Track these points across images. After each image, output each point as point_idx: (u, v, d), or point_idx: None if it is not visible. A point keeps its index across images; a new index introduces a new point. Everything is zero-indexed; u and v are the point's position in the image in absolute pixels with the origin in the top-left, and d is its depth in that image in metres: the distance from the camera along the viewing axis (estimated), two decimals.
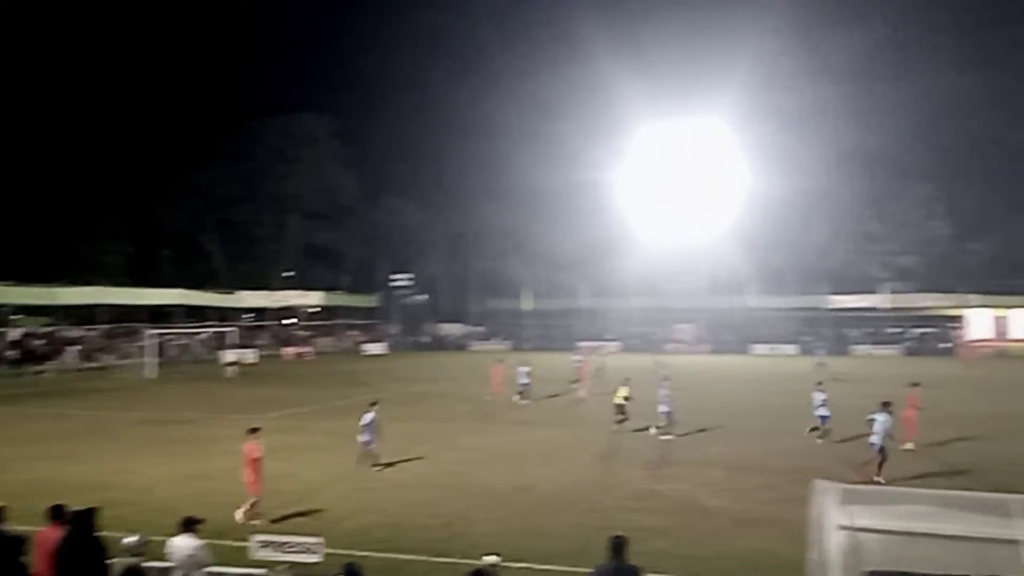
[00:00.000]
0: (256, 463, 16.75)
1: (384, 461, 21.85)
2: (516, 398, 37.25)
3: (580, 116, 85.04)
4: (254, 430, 17.26)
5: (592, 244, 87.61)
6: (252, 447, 16.90)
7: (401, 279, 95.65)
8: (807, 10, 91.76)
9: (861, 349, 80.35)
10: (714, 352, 78.60)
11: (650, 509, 17.54)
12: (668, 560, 13.88)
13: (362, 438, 21.85)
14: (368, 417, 21.96)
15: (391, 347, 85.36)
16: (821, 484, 10.56)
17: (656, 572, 12.15)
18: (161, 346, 60.02)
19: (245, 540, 13.01)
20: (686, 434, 27.16)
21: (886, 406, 20.46)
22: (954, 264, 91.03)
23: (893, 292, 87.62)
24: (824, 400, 26.26)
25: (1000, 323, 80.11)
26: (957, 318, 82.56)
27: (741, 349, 79.82)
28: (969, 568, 8.10)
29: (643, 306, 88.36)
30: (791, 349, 79.79)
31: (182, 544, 10.79)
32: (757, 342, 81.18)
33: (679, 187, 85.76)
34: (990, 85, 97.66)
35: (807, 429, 26.61)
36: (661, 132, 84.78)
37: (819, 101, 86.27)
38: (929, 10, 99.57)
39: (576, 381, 41.22)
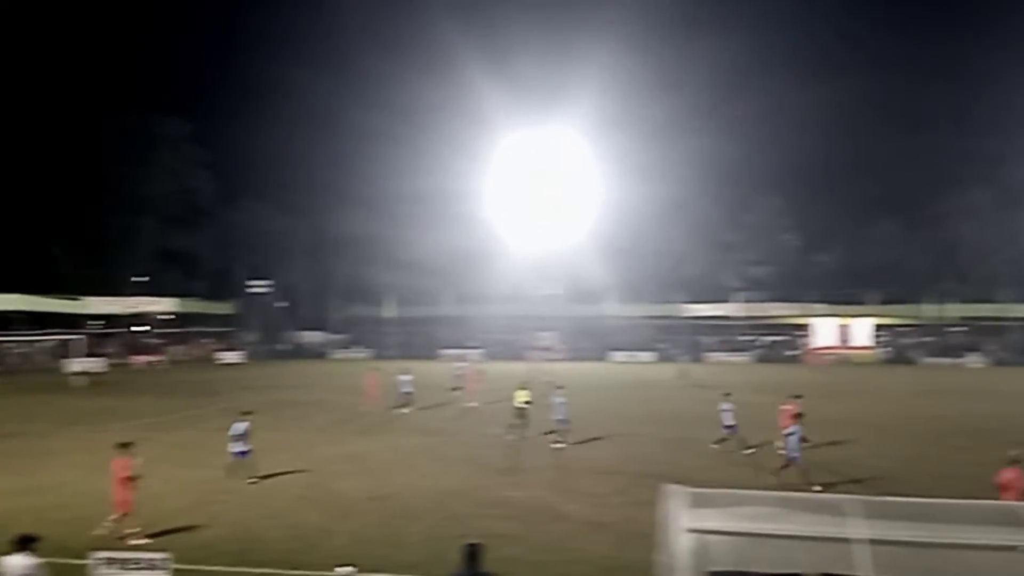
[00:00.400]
0: (127, 480, 15.72)
1: (261, 474, 21.14)
2: (401, 408, 35.89)
3: (444, 124, 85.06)
4: (124, 445, 16.22)
5: (455, 252, 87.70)
6: (122, 463, 15.85)
7: (260, 285, 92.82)
8: (664, 22, 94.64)
9: (715, 356, 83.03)
10: (574, 359, 79.70)
11: (506, 516, 17.54)
12: (520, 566, 13.88)
13: (234, 448, 21.09)
14: (240, 427, 21.24)
15: (248, 355, 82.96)
16: (671, 488, 10.70)
17: None
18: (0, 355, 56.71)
19: (85, 558, 12.26)
20: (543, 436, 27.29)
21: (797, 417, 21.30)
22: (802, 274, 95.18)
23: (745, 301, 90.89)
24: (730, 409, 26.17)
25: (843, 331, 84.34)
26: (804, 326, 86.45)
27: (600, 356, 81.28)
28: (805, 566, 8.34)
29: (505, 313, 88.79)
30: (648, 356, 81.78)
31: (17, 564, 10.10)
32: (615, 349, 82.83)
33: (540, 196, 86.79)
34: (839, 100, 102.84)
35: (712, 442, 26.18)
36: (523, 141, 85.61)
37: (677, 112, 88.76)
38: (783, 25, 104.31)
39: (457, 388, 40.97)
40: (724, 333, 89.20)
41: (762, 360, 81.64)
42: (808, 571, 8.78)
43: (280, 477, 21.44)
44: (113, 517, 15.74)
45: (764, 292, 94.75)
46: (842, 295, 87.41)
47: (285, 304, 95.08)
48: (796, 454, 20.25)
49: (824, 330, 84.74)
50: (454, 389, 41.18)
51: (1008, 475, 14.58)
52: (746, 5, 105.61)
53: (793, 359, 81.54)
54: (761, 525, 9.78)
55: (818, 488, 18.94)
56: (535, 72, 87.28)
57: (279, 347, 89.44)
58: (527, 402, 28.83)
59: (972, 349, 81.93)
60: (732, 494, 10.89)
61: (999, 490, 14.53)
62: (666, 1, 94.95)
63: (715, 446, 25.79)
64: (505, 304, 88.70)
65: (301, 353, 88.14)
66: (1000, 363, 77.33)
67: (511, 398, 30.02)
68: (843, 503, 9.72)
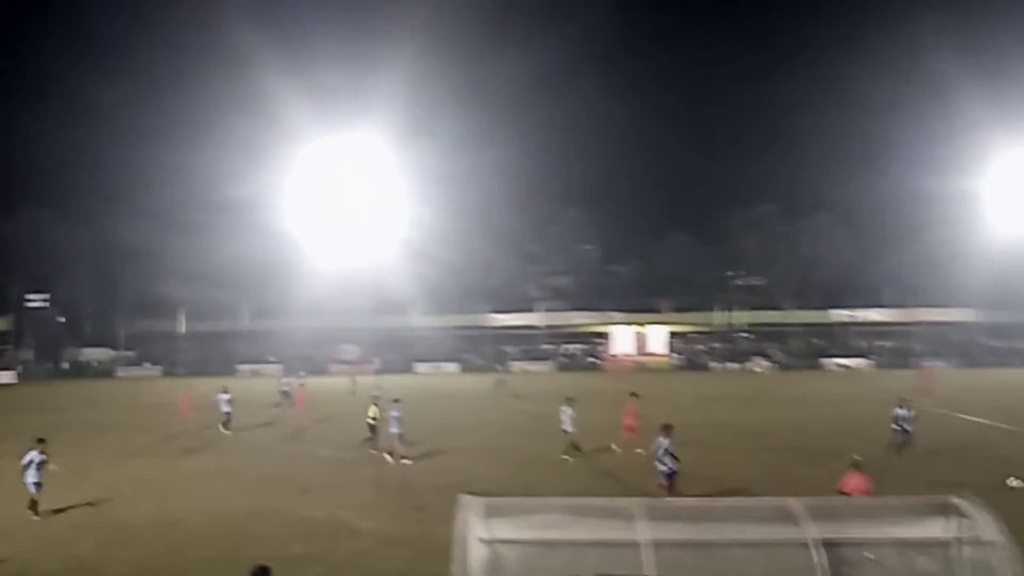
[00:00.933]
0: None
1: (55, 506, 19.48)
2: (221, 426, 33.69)
3: (241, 130, 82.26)
4: None
5: (253, 263, 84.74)
6: None
7: (37, 299, 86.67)
8: (469, 32, 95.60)
9: (518, 365, 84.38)
10: (379, 371, 78.94)
11: (302, 536, 17.03)
12: None
13: (29, 479, 19.08)
14: (32, 456, 19.20)
15: (23, 375, 77.20)
16: (465, 499, 10.57)
17: None
18: None
19: None
20: (370, 451, 26.75)
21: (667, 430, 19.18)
22: (601, 285, 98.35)
23: (547, 311, 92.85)
24: (571, 416, 25.99)
25: (640, 339, 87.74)
26: (603, 335, 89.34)
27: (405, 368, 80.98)
28: (594, 569, 8.39)
29: (307, 326, 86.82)
30: (453, 367, 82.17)
31: None
32: (420, 360, 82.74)
33: (343, 206, 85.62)
34: (636, 117, 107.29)
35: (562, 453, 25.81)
36: (325, 150, 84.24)
37: (481, 123, 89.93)
38: (585, 43, 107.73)
39: (279, 405, 39.40)
40: (527, 342, 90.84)
41: (564, 368, 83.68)
42: (596, 574, 8.85)
43: (54, 504, 19.78)
44: None
45: (565, 302, 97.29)
46: (638, 304, 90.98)
47: (64, 319, 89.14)
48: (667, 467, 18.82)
49: (622, 338, 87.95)
50: (276, 405, 39.70)
51: (851, 481, 14.68)
52: (550, 21, 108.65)
53: (593, 367, 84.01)
54: (551, 532, 9.82)
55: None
56: (338, 80, 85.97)
57: (58, 366, 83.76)
58: (374, 418, 28.23)
59: (758, 354, 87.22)
60: (525, 502, 10.90)
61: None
62: (471, 12, 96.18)
63: (566, 456, 25.48)
64: (306, 317, 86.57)
65: (84, 371, 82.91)
66: (783, 367, 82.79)
67: (328, 417, 29.34)
68: (630, 507, 9.89)
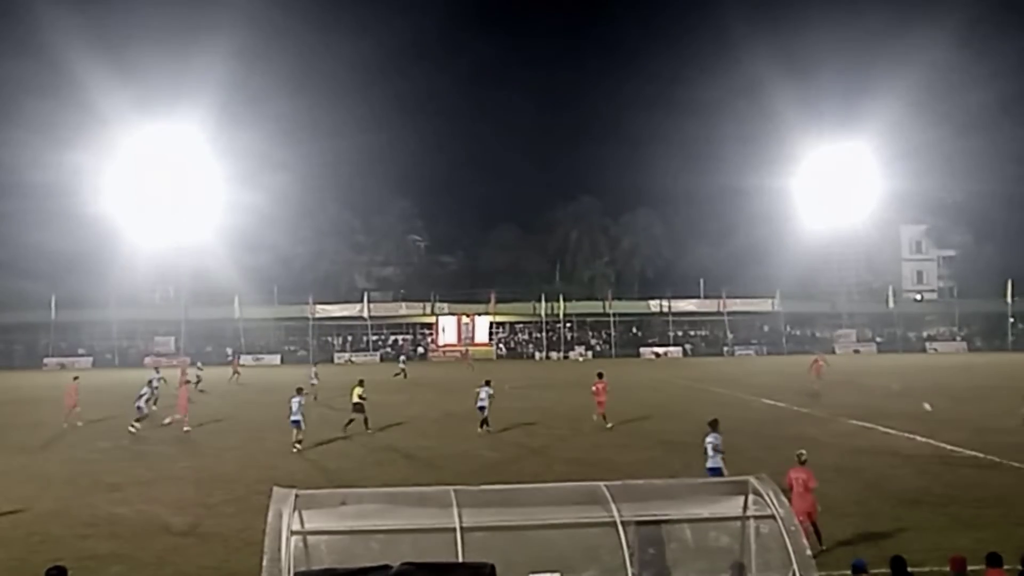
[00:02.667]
0: None
1: None
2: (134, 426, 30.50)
3: (50, 116, 77.22)
4: None
5: (60, 252, 79.74)
6: None
7: None
8: (297, 22, 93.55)
9: (343, 356, 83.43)
10: (194, 364, 75.87)
11: (109, 534, 16.33)
12: None
13: None
14: None
15: None
16: (278, 491, 10.37)
17: None
18: None
19: None
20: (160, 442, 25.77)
21: (715, 425, 18.77)
22: (428, 275, 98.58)
23: (374, 301, 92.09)
24: (489, 395, 28.12)
25: (466, 328, 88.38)
26: (430, 325, 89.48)
27: (225, 360, 78.20)
28: (406, 556, 8.43)
29: (120, 318, 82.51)
30: (275, 359, 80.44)
31: None
32: (242, 353, 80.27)
33: (161, 194, 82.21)
34: (466, 111, 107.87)
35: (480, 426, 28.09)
36: (143, 137, 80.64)
37: (306, 112, 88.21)
38: (416, 34, 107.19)
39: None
40: (353, 333, 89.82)
41: (388, 359, 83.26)
42: (408, 560, 8.90)
43: None
44: None
45: (392, 292, 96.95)
46: (464, 294, 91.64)
47: None
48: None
49: (448, 328, 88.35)
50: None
51: (796, 475, 14.81)
52: (380, 11, 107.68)
53: (421, 356, 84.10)
54: (365, 522, 9.78)
55: None
56: (157, 64, 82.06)
57: None
58: (362, 396, 29.51)
59: (579, 343, 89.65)
60: (339, 493, 10.82)
61: (789, 490, 14.14)
62: (299, 1, 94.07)
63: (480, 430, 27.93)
64: (120, 308, 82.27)
65: None
66: (599, 355, 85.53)
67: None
68: (445, 494, 9.97)
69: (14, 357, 77.87)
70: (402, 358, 65.03)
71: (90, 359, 79.31)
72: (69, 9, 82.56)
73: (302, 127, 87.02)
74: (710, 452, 18.29)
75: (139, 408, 31.67)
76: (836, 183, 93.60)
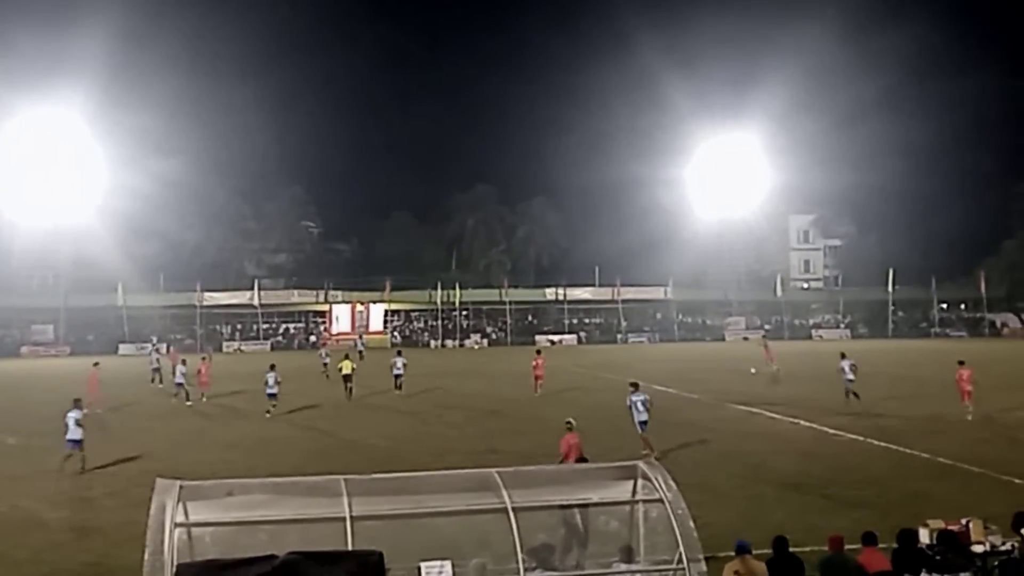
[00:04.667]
0: None
1: None
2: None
3: None
4: None
5: None
6: None
7: None
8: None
9: (233, 345, 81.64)
10: (75, 354, 73.28)
11: None
12: None
13: None
14: None
15: None
16: (161, 482, 10.09)
17: None
18: None
19: None
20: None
21: (636, 387, 22.66)
22: (321, 262, 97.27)
23: (264, 289, 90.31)
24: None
25: (360, 316, 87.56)
26: (323, 313, 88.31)
27: (108, 349, 75.54)
28: (294, 546, 8.30)
29: None
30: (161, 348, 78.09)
31: None
32: (125, 342, 77.71)
33: (39, 178, 78.88)
34: (361, 94, 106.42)
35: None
36: (20, 120, 77.18)
37: (192, 93, 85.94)
38: (310, 14, 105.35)
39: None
40: (242, 321, 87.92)
41: (279, 348, 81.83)
42: (294, 549, 8.78)
43: None
44: None
45: (284, 280, 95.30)
46: (359, 282, 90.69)
47: None
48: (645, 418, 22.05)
49: (342, 316, 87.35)
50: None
51: (568, 440, 16.59)
52: None
53: (312, 345, 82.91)
54: (252, 513, 9.60)
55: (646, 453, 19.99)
56: (33, 43, 78.26)
57: None
58: (353, 369, 35.57)
59: (475, 331, 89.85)
60: (225, 484, 10.58)
61: (564, 457, 16.34)
62: None
63: None
64: None
65: None
66: (495, 343, 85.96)
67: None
68: (334, 483, 9.85)
69: None
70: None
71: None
72: None
73: (191, 110, 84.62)
74: (640, 408, 21.98)
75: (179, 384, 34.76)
76: (727, 174, 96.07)
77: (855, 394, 29.47)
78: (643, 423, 21.96)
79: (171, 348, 57.09)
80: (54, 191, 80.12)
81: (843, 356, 30.78)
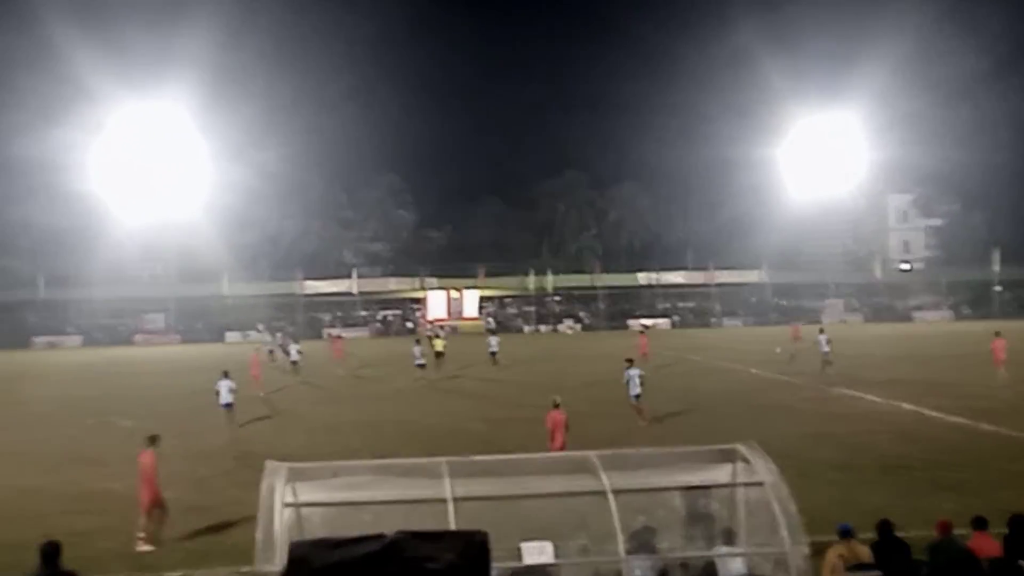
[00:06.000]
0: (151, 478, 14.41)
1: None
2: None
3: (36, 90, 76.23)
4: (152, 438, 15.15)
5: (49, 229, 79.19)
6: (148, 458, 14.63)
7: None
8: None
9: (333, 332, 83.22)
10: (185, 342, 75.97)
11: (98, 510, 16.35)
12: (116, 560, 13.18)
13: None
14: None
15: None
16: (271, 465, 10.45)
17: (100, 573, 11.35)
18: None
19: None
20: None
21: (631, 362, 25.42)
22: (416, 250, 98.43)
23: (362, 277, 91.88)
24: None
25: (455, 303, 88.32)
26: (418, 300, 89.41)
27: (215, 338, 78.15)
28: (397, 526, 8.53)
29: (108, 296, 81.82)
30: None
31: None
32: (231, 330, 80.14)
33: (148, 171, 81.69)
34: (450, 83, 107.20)
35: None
36: (130, 113, 79.96)
37: (293, 88, 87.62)
38: (400, 6, 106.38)
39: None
40: (342, 309, 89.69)
41: (378, 334, 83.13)
42: (399, 529, 9.01)
43: None
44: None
45: (380, 267, 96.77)
46: (452, 269, 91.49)
47: None
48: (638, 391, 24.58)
49: (436, 303, 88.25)
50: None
51: (554, 416, 17.72)
52: None
53: (410, 331, 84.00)
54: (356, 493, 9.87)
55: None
56: (142, 41, 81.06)
57: None
58: (445, 346, 40.76)
59: (567, 316, 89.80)
60: (330, 466, 10.89)
61: (550, 432, 17.60)
62: None
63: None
64: (108, 286, 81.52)
65: None
66: (588, 328, 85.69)
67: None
68: (436, 465, 10.05)
69: (1, 335, 77.53)
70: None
71: (80, 337, 78.97)
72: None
73: (289, 103, 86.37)
74: (638, 382, 24.60)
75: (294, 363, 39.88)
76: (823, 153, 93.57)
77: (828, 363, 36.05)
78: (637, 396, 24.58)
79: (280, 333, 58.70)
80: (161, 184, 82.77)
81: (821, 331, 38.77)
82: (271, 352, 45.26)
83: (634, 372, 24.77)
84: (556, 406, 17.97)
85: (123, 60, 79.17)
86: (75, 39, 74.91)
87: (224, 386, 24.92)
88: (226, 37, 79.51)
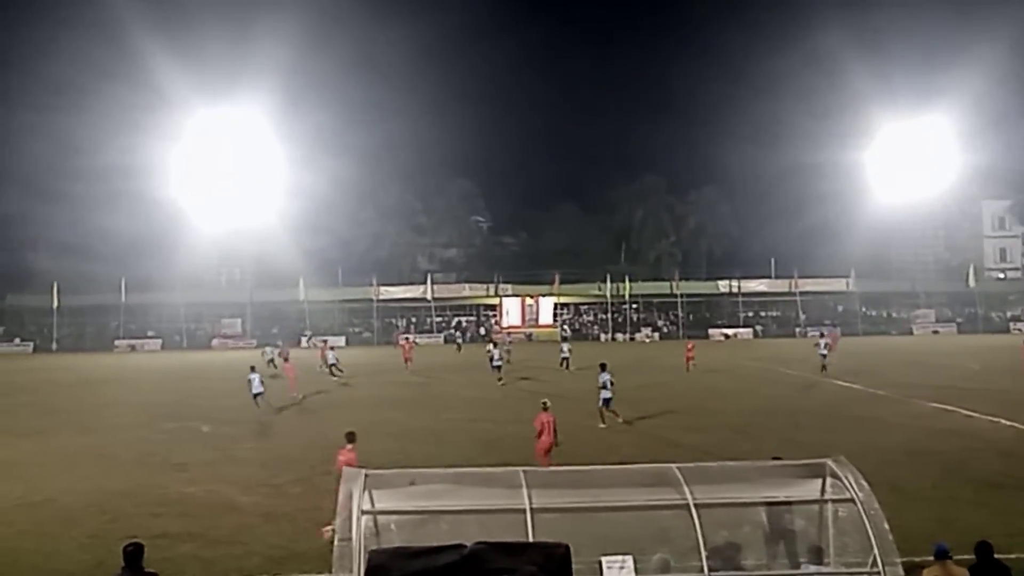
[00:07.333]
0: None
1: None
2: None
3: (118, 98, 78.60)
4: (351, 436, 15.99)
5: (130, 235, 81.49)
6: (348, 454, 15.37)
7: None
8: (357, 4, 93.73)
9: (409, 338, 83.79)
10: (261, 346, 77.12)
11: (178, 513, 16.57)
12: (193, 563, 13.32)
13: None
14: None
15: None
16: (348, 472, 10.41)
17: None
18: None
19: None
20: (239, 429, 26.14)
21: (604, 367, 26.31)
22: (490, 256, 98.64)
23: (437, 283, 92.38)
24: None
25: (529, 310, 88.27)
26: (493, 306, 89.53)
27: (291, 342, 79.08)
28: (473, 535, 8.36)
29: (187, 301, 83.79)
30: (339, 341, 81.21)
31: None
32: (306, 335, 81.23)
33: (226, 177, 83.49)
34: (523, 89, 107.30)
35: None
36: (208, 119, 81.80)
37: (368, 95, 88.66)
38: (473, 13, 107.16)
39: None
40: (416, 315, 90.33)
41: (450, 341, 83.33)
42: (477, 539, 8.85)
43: None
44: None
45: (454, 273, 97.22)
46: (526, 275, 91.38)
47: None
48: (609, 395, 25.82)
49: (511, 309, 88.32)
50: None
51: (542, 418, 18.90)
52: None
53: (483, 338, 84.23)
54: (434, 502, 9.78)
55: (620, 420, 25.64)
56: (219, 48, 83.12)
57: None
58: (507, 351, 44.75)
59: (645, 324, 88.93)
60: (408, 473, 10.80)
61: (538, 433, 18.81)
62: None
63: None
64: (187, 291, 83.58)
65: None
66: (667, 337, 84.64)
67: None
68: (514, 475, 9.90)
69: (85, 339, 79.89)
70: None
71: (159, 341, 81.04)
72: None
73: (362, 109, 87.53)
74: (610, 386, 25.86)
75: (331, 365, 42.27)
76: (913, 157, 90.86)
77: (824, 367, 39.94)
78: (607, 400, 25.80)
79: (326, 341, 59.52)
80: (238, 190, 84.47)
81: (821, 335, 44.94)
82: (270, 361, 45.91)
83: (606, 376, 26.01)
84: (545, 408, 19.16)
85: (202, 68, 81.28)
86: (156, 49, 77.45)
87: (255, 378, 30.08)
88: (302, 45, 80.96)
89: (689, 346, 47.90)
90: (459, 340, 58.15)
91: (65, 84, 78.84)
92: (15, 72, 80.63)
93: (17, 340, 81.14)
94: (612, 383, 26.02)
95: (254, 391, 29.82)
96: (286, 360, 42.75)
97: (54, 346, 78.70)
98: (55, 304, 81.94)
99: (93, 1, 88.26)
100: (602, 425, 25.41)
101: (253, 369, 30.84)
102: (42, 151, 77.49)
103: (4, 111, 78.41)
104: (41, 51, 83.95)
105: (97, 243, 79.18)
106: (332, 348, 46.70)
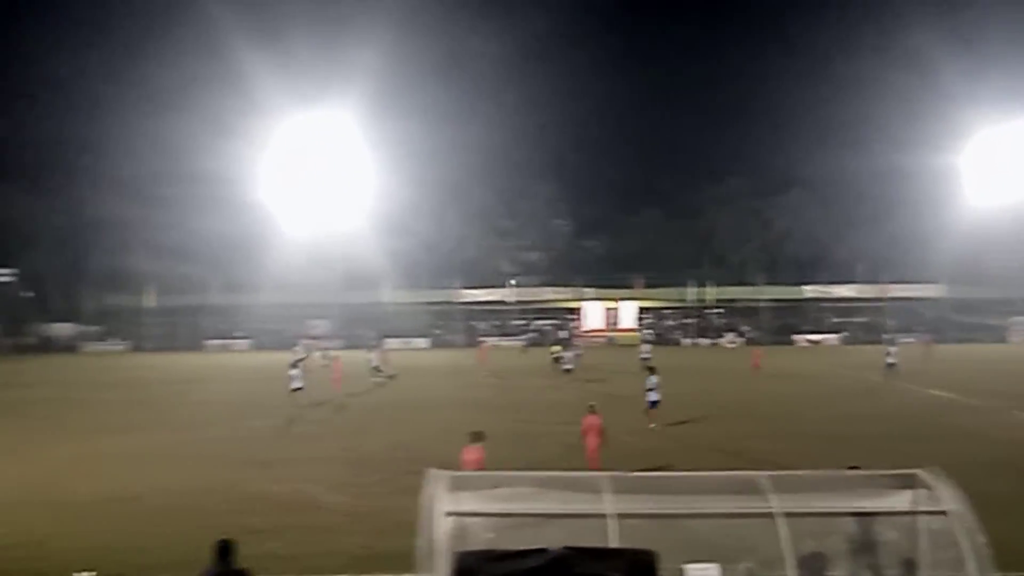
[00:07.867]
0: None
1: None
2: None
3: (210, 103, 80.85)
4: (477, 435, 16.26)
5: (221, 237, 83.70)
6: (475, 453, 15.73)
7: (3, 273, 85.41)
8: (441, 7, 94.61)
9: (490, 341, 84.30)
10: (349, 347, 78.46)
11: (264, 511, 16.89)
12: (278, 561, 13.50)
13: None
14: None
15: None
16: (433, 473, 10.52)
17: (266, 573, 11.61)
18: None
19: None
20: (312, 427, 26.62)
21: (653, 371, 27.81)
22: (572, 259, 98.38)
23: (519, 286, 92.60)
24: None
25: (611, 314, 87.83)
26: (575, 310, 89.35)
27: (375, 343, 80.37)
28: (560, 541, 8.41)
29: (275, 301, 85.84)
30: (423, 342, 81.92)
31: None
32: (391, 336, 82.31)
33: (313, 180, 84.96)
34: (608, 91, 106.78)
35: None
36: (296, 124, 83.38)
37: (454, 98, 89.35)
38: (555, 17, 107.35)
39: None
40: (498, 318, 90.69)
41: (534, 344, 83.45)
42: (560, 544, 8.89)
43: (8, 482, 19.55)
44: None
45: (537, 277, 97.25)
46: (609, 279, 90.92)
47: (31, 294, 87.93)
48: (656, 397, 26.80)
49: (593, 313, 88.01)
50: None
51: (589, 421, 19.40)
52: None
53: (564, 341, 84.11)
54: (518, 505, 9.82)
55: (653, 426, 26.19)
56: (309, 53, 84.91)
57: (23, 340, 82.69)
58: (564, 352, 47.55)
59: (729, 330, 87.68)
60: (491, 476, 10.87)
61: (583, 435, 19.46)
62: None
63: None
64: (275, 292, 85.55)
65: (49, 347, 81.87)
66: (751, 343, 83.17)
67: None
68: (597, 480, 9.90)
69: (177, 339, 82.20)
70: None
71: (248, 341, 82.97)
72: (229, 4, 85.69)
73: (447, 113, 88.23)
74: (657, 390, 26.84)
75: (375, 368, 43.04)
76: (1008, 160, 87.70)
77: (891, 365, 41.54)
78: (654, 402, 26.83)
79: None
80: (326, 193, 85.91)
81: (892, 343, 45.03)
82: (301, 360, 46.44)
83: (656, 379, 27.09)
84: (592, 411, 19.65)
85: (293, 74, 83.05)
86: (250, 56, 79.16)
87: (295, 374, 32.40)
88: (390, 50, 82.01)
89: (756, 354, 51.10)
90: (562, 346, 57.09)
91: (163, 91, 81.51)
92: (116, 80, 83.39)
93: (113, 339, 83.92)
94: (659, 386, 26.95)
95: (293, 386, 32.20)
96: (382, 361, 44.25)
97: (148, 345, 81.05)
98: (150, 304, 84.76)
99: (191, 12, 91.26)
100: (652, 425, 26.32)
101: (293, 366, 33.14)
102: (140, 156, 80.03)
103: (107, 118, 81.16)
104: (141, 60, 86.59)
105: (191, 245, 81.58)
106: (379, 349, 49.68)
